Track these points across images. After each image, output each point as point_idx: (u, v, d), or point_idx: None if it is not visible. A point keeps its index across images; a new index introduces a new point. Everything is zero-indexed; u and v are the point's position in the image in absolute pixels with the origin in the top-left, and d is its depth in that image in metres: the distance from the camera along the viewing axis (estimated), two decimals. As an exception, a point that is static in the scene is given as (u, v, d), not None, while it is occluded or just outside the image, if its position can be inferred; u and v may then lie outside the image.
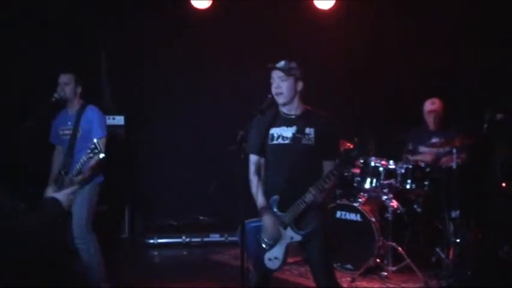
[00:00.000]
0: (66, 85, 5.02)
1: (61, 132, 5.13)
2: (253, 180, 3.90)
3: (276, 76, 3.80)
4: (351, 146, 6.31)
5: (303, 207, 3.71)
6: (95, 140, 4.53)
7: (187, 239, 7.23)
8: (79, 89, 5.10)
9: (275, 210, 3.80)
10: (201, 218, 7.62)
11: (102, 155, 4.53)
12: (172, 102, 7.62)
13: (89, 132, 4.98)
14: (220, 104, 7.47)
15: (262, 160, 3.93)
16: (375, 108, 7.24)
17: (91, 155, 4.50)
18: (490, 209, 5.93)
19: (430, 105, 6.30)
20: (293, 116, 3.87)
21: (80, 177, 4.82)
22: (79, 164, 4.70)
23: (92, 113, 5.08)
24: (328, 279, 3.82)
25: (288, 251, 3.84)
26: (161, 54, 7.53)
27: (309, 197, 3.68)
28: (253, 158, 3.93)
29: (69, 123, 5.07)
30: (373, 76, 7.28)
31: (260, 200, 3.85)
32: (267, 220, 3.79)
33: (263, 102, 3.75)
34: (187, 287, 5.59)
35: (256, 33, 7.37)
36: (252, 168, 3.92)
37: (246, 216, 3.62)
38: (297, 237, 3.79)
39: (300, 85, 3.84)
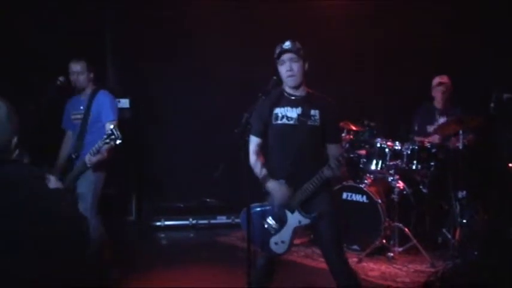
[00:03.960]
0: (80, 74, 5.02)
1: (73, 117, 5.15)
2: (252, 157, 3.84)
3: (287, 58, 3.75)
4: (357, 129, 6.33)
5: (312, 188, 3.69)
6: (112, 126, 4.54)
7: (194, 221, 7.26)
8: (91, 75, 5.11)
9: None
10: (208, 200, 7.63)
11: (119, 141, 4.53)
12: (178, 85, 7.61)
13: (99, 116, 5.00)
14: (226, 86, 7.45)
15: (262, 142, 3.90)
16: (382, 89, 7.20)
17: (107, 140, 4.51)
18: (497, 189, 5.91)
19: (439, 79, 6.31)
20: (298, 97, 3.84)
21: (98, 156, 4.82)
22: (95, 147, 4.70)
23: (103, 97, 5.09)
24: (339, 259, 3.79)
25: (295, 235, 3.81)
26: (167, 37, 7.49)
27: (327, 172, 3.64)
28: (254, 139, 3.88)
29: (81, 107, 5.08)
30: (380, 56, 7.24)
31: (263, 171, 3.80)
32: (274, 186, 3.74)
33: (268, 84, 3.70)
34: (194, 268, 5.64)
35: (259, 16, 7.34)
36: (252, 148, 3.86)
37: (251, 198, 3.59)
38: (305, 221, 3.75)
39: (306, 66, 3.82)
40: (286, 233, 3.80)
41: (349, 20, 7.36)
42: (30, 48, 6.38)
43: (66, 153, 5.19)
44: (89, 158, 4.80)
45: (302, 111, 3.78)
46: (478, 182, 5.85)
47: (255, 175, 3.82)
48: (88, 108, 5.03)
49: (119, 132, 4.52)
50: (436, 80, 6.32)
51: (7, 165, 2.48)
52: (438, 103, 6.33)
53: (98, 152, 4.74)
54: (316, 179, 3.68)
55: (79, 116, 5.07)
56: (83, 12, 6.89)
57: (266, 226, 3.81)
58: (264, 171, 3.81)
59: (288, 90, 3.86)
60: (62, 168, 5.14)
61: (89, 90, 5.10)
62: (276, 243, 3.82)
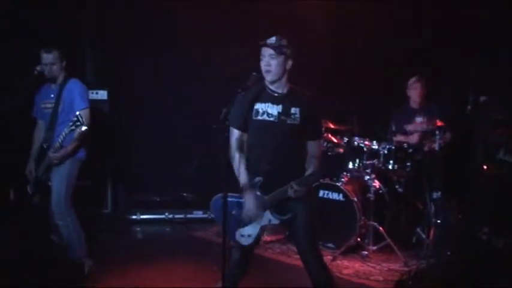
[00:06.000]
0: (53, 65, 4.96)
1: (43, 106, 5.08)
2: (236, 156, 3.83)
3: (267, 54, 3.74)
4: (336, 127, 6.35)
5: (284, 196, 3.71)
6: (78, 113, 4.52)
7: (170, 216, 7.22)
8: (64, 63, 5.05)
9: (258, 192, 3.78)
10: (185, 194, 7.61)
11: (84, 128, 4.54)
12: (156, 78, 7.56)
13: (71, 104, 4.94)
14: (204, 81, 7.41)
15: (245, 136, 3.88)
16: (359, 88, 7.22)
17: (73, 127, 4.50)
18: (471, 190, 5.98)
19: (413, 78, 6.34)
20: (280, 94, 3.82)
21: (61, 151, 4.80)
22: (60, 137, 4.68)
23: (73, 85, 5.03)
24: (314, 256, 3.81)
25: (262, 231, 3.84)
26: (146, 29, 7.43)
27: (290, 192, 3.66)
28: (235, 133, 3.86)
29: (52, 95, 5.03)
30: (358, 56, 7.26)
31: (243, 177, 3.80)
32: (249, 200, 3.76)
33: (247, 80, 3.69)
34: (170, 263, 5.62)
35: (241, 9, 7.30)
36: (234, 143, 3.85)
37: (227, 191, 3.55)
38: (275, 221, 3.80)
39: (290, 64, 3.79)
40: (254, 228, 3.82)
41: (329, 20, 7.37)
42: (6, 39, 6.30)
43: (38, 143, 5.13)
44: (53, 156, 4.80)
45: (283, 109, 3.77)
46: (453, 182, 5.91)
47: (233, 170, 3.82)
48: (58, 97, 4.98)
49: (84, 119, 4.52)
50: (411, 80, 6.37)
51: None
52: (414, 102, 6.37)
53: (61, 147, 4.73)
54: (283, 191, 3.70)
55: (49, 105, 5.02)
56: (61, 3, 6.80)
57: (234, 213, 3.82)
58: (245, 178, 3.80)
59: (270, 86, 3.83)
60: (35, 158, 5.08)
61: (60, 79, 5.05)
62: (242, 235, 3.84)
